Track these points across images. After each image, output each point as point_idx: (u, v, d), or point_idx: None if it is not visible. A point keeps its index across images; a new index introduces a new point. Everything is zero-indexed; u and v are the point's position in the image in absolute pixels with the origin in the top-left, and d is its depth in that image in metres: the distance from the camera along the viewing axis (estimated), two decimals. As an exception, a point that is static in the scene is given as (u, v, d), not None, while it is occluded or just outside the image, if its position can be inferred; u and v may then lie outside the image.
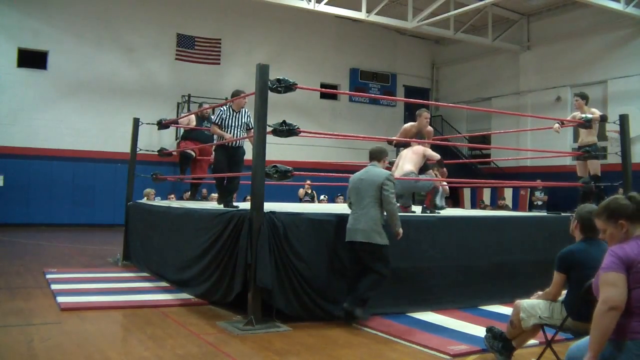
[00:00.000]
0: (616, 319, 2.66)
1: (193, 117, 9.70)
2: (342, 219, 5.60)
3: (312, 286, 5.29)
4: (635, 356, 2.65)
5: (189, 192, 11.21)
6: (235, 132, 7.44)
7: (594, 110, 8.48)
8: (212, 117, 10.20)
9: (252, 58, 16.95)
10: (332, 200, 14.38)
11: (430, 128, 7.92)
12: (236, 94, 7.48)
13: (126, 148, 9.57)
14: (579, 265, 3.58)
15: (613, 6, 14.55)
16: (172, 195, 13.68)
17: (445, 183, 9.54)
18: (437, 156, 7.39)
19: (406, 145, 7.65)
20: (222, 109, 7.56)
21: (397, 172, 7.05)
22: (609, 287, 2.69)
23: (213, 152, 8.93)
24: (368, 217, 5.25)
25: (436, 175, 12.78)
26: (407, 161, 7.19)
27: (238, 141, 7.45)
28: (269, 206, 5.42)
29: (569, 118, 9.23)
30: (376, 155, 5.63)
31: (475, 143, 18.62)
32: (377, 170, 5.46)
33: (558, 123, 8.92)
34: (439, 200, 11.59)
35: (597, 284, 2.82)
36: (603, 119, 8.37)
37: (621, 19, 15.50)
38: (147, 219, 8.51)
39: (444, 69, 22.45)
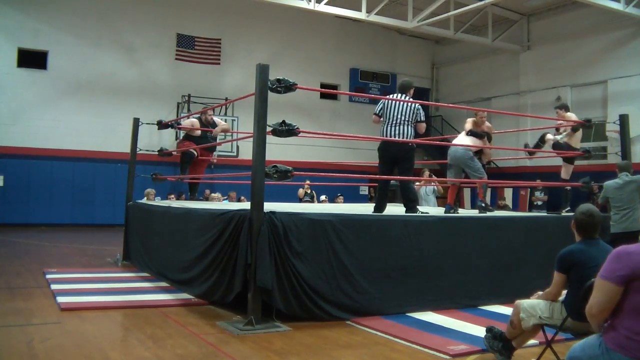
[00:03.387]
0: (599, 325, 2.67)
1: (196, 121, 9.68)
2: (342, 219, 5.60)
3: (311, 286, 5.28)
4: None
5: (186, 195, 11.16)
6: None
7: (570, 114, 8.26)
8: (216, 119, 10.22)
9: (252, 58, 16.93)
10: (332, 200, 14.37)
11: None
12: (409, 85, 7.49)
13: (126, 148, 9.56)
14: (578, 265, 3.58)
15: (613, 6, 14.53)
16: (172, 195, 13.68)
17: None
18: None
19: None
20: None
21: (455, 140, 7.91)
22: (594, 291, 2.69)
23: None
24: (636, 215, 6.66)
25: (430, 176, 12.79)
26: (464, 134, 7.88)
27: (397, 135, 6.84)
28: (269, 206, 5.42)
29: (558, 123, 8.94)
30: (626, 168, 7.20)
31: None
32: (634, 176, 7.10)
33: (550, 134, 8.55)
34: (432, 199, 11.57)
35: None
36: (586, 125, 8.15)
37: (621, 19, 15.48)
38: (147, 219, 8.50)
39: (444, 69, 22.43)
